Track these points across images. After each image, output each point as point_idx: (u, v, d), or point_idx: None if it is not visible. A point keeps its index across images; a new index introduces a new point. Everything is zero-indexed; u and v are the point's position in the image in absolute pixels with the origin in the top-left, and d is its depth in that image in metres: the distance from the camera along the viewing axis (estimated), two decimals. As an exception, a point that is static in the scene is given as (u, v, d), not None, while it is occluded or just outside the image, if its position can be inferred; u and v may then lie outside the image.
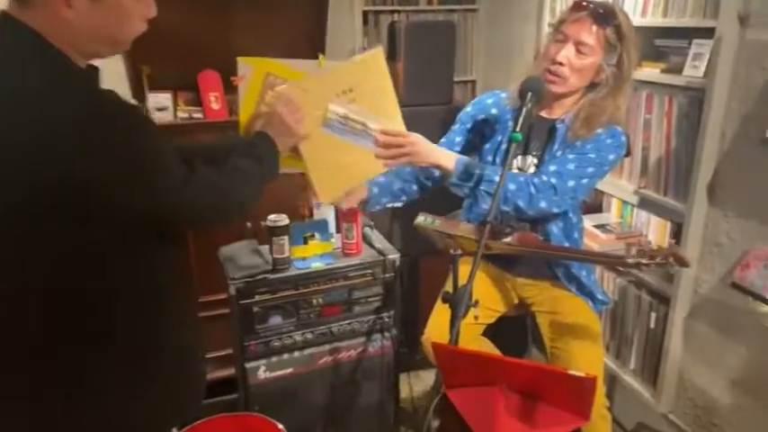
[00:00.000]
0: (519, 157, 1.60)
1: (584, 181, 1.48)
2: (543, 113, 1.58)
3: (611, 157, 1.49)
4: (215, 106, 2.35)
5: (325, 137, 1.42)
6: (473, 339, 1.67)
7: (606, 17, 1.40)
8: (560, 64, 1.43)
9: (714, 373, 1.79)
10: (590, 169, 1.47)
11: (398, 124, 1.46)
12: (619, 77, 1.45)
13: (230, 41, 2.15)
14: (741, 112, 1.59)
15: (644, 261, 1.31)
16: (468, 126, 1.71)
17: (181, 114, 2.38)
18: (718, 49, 1.58)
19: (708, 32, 1.62)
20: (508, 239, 1.56)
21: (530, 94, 1.39)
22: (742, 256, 1.60)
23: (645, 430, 2.07)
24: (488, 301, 1.71)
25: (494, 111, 1.66)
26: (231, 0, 2.26)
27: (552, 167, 1.48)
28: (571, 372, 0.99)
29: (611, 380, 2.11)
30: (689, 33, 1.70)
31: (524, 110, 1.37)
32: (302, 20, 2.38)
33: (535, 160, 1.59)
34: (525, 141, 1.58)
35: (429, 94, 2.39)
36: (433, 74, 2.37)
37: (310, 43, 2.40)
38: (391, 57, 2.49)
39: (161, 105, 2.34)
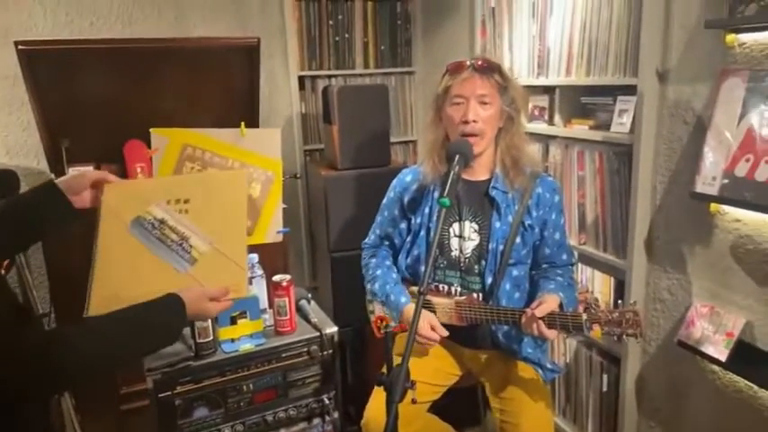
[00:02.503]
0: (455, 225, 1.56)
1: (568, 245, 1.64)
2: (466, 176, 1.55)
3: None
4: (141, 177, 2.23)
5: (127, 240, 1.18)
6: (416, 418, 1.55)
7: (489, 68, 1.46)
8: (474, 122, 1.44)
9: (672, 434, 1.71)
10: (565, 233, 1.60)
11: (237, 255, 1.19)
12: (515, 114, 1.50)
13: (158, 109, 2.08)
14: (669, 166, 1.60)
15: (602, 328, 1.31)
16: (395, 212, 1.70)
17: (104, 188, 2.25)
18: (641, 106, 1.59)
19: (631, 89, 1.64)
20: (460, 298, 1.54)
21: (457, 156, 1.35)
22: (685, 313, 1.56)
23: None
24: (432, 376, 1.61)
25: (415, 186, 1.64)
26: (158, 68, 2.19)
27: (555, 251, 1.57)
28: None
29: (571, 446, 2.00)
30: (613, 90, 1.73)
31: (452, 173, 1.31)
32: (234, 86, 2.33)
33: (475, 226, 1.55)
34: (457, 207, 1.55)
35: (366, 156, 2.35)
36: (368, 136, 2.34)
37: (243, 109, 2.34)
38: (326, 120, 2.46)
39: (82, 179, 2.21)
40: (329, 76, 2.86)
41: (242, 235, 1.23)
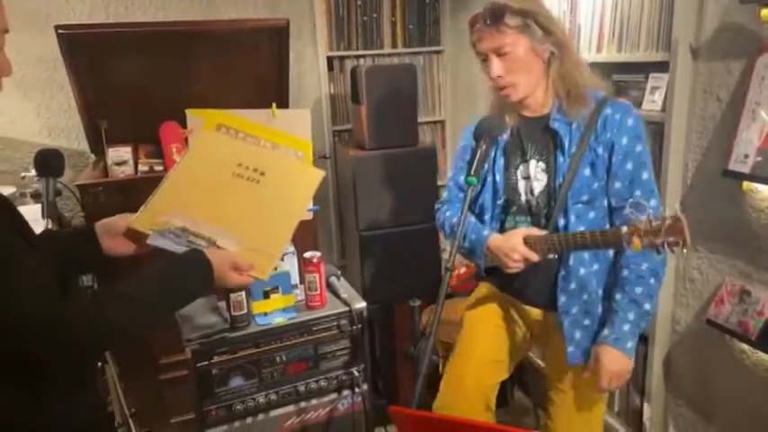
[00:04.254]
0: (521, 167, 1.48)
1: (657, 191, 1.40)
2: (526, 113, 1.48)
3: (643, 131, 1.39)
4: (177, 158, 2.30)
5: (198, 181, 1.22)
6: (482, 411, 1.55)
7: (496, 15, 1.35)
8: (499, 77, 1.39)
9: (698, 413, 1.71)
10: (648, 170, 1.38)
11: (274, 245, 1.21)
12: (556, 42, 1.38)
13: (191, 92, 2.13)
14: (701, 144, 1.58)
15: (642, 239, 1.18)
16: (467, 158, 1.56)
17: (142, 168, 2.33)
18: (674, 82, 1.57)
19: (663, 66, 1.62)
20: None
21: (484, 136, 1.36)
22: (715, 292, 1.56)
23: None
24: (497, 350, 1.61)
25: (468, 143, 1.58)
26: (191, 51, 2.24)
27: (627, 186, 1.36)
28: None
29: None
30: (645, 67, 1.70)
31: (479, 152, 1.33)
32: (264, 68, 2.37)
33: (542, 165, 1.45)
34: (520, 147, 1.48)
35: (394, 136, 2.37)
36: (396, 116, 2.36)
37: (273, 91, 2.38)
38: (355, 100, 2.48)
39: (121, 159, 2.30)
40: (357, 57, 2.87)
41: (291, 228, 1.23)
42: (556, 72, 1.39)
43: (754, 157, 1.34)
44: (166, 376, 2.07)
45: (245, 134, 1.63)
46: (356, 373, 1.75)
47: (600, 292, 1.43)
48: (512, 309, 1.60)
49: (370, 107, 2.32)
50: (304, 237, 1.98)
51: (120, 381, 1.76)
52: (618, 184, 1.37)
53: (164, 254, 1.13)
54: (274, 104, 1.62)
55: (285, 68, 2.37)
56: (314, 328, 1.67)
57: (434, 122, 3.10)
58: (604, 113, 1.36)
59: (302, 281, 1.72)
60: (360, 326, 1.73)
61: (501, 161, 1.50)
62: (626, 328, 1.35)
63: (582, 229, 1.37)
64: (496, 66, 1.37)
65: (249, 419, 1.63)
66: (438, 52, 3.01)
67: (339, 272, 1.87)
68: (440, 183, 2.80)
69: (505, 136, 1.48)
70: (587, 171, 1.37)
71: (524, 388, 2.38)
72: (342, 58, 2.86)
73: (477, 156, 1.32)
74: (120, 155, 2.29)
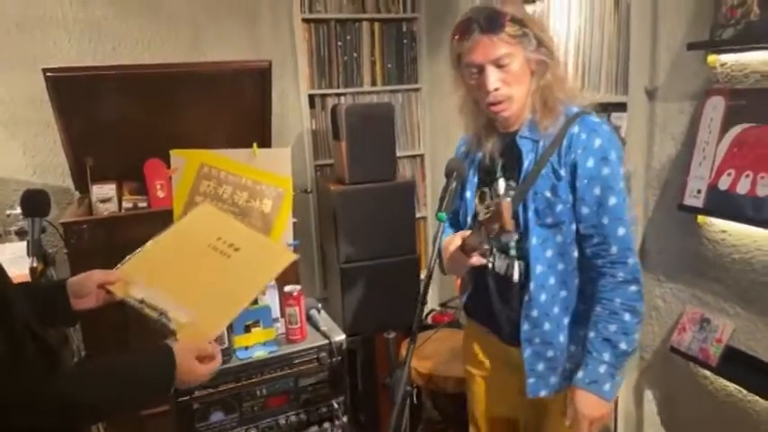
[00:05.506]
0: (492, 186, 1.40)
1: (626, 218, 1.28)
2: (501, 129, 1.38)
3: (618, 155, 1.27)
4: (161, 194, 2.36)
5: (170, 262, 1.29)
6: None
7: (495, 22, 1.23)
8: (496, 90, 1.26)
9: (668, 438, 1.77)
10: (617, 195, 1.26)
11: (224, 316, 1.24)
12: (545, 53, 1.28)
13: (176, 130, 2.19)
14: (660, 180, 1.67)
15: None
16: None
17: (126, 204, 2.37)
18: (632, 122, 1.67)
19: (623, 106, 1.72)
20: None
21: (454, 173, 1.41)
22: (677, 320, 1.63)
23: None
24: (497, 406, 1.54)
25: (463, 149, 1.54)
26: (176, 91, 2.31)
27: (594, 212, 1.26)
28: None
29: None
30: (606, 107, 1.81)
31: (449, 189, 1.37)
32: (247, 107, 2.45)
33: (512, 183, 1.36)
34: (491, 165, 1.40)
35: (373, 171, 2.46)
36: (375, 152, 2.45)
37: (256, 128, 2.46)
38: (335, 137, 2.57)
39: (105, 197, 2.33)
40: (338, 95, 2.97)
41: (244, 302, 1.27)
42: (537, 84, 1.30)
43: (705, 192, 1.44)
44: (147, 411, 2.08)
45: (227, 173, 1.70)
46: (336, 405, 1.78)
47: (565, 321, 1.34)
48: (495, 349, 1.49)
49: (349, 143, 2.40)
50: (285, 271, 2.01)
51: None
52: (585, 210, 1.27)
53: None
54: (255, 144, 1.68)
55: (268, 107, 2.45)
56: (294, 361, 1.70)
57: (414, 156, 3.19)
58: (571, 131, 1.26)
59: (283, 314, 1.76)
60: (339, 358, 1.76)
61: (474, 179, 1.44)
62: (602, 369, 1.25)
63: (549, 253, 1.31)
64: (494, 77, 1.24)
65: (230, 454, 1.65)
66: (416, 90, 3.12)
67: (319, 305, 1.91)
68: (419, 215, 2.88)
69: (480, 154, 1.42)
70: (547, 193, 1.28)
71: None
72: (323, 96, 2.96)
73: (448, 193, 1.38)
74: (104, 192, 2.33)
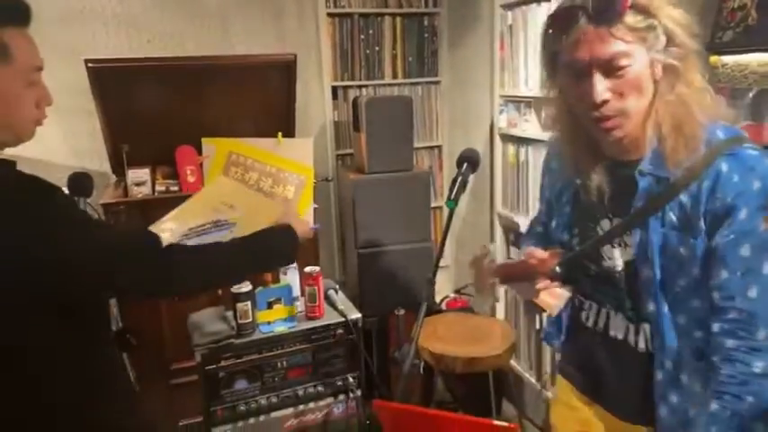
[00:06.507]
0: (603, 222, 1.10)
1: None
2: (614, 155, 1.06)
3: None
4: (191, 179, 2.50)
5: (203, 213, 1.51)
6: None
7: (610, 8, 0.92)
8: (605, 102, 0.96)
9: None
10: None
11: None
12: (678, 53, 0.95)
13: (206, 119, 2.33)
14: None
15: None
16: (547, 195, 1.31)
17: (158, 188, 2.52)
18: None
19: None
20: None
21: (465, 165, 1.48)
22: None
23: None
24: None
25: (554, 164, 1.28)
26: (206, 82, 2.45)
27: (738, 282, 0.94)
28: (495, 422, 1.07)
29: None
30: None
31: (459, 179, 1.44)
32: (273, 98, 2.57)
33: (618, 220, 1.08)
34: (608, 200, 1.08)
35: (391, 161, 2.56)
36: (393, 143, 2.55)
37: (281, 119, 2.58)
38: (355, 128, 2.68)
39: (139, 180, 2.49)
40: (360, 87, 3.08)
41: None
42: (666, 97, 0.97)
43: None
44: (177, 381, 2.24)
45: (253, 160, 1.82)
46: (351, 380, 1.90)
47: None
48: (607, 423, 1.19)
49: (369, 135, 2.51)
50: (305, 253, 2.16)
51: (136, 384, 1.93)
52: (725, 274, 0.94)
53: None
54: (280, 133, 1.80)
55: (292, 98, 2.57)
56: (312, 337, 1.83)
57: (432, 147, 3.29)
58: (717, 169, 0.93)
59: (303, 293, 1.88)
60: (354, 335, 1.89)
61: (566, 210, 1.17)
62: None
63: (682, 321, 1.02)
64: (603, 85, 0.94)
65: (252, 420, 1.78)
66: (436, 83, 3.21)
67: (337, 286, 2.03)
68: (434, 204, 2.98)
69: (578, 180, 1.12)
70: (682, 249, 0.98)
71: (511, 399, 2.52)
72: (345, 88, 3.07)
73: (458, 182, 1.46)
74: (139, 176, 2.48)
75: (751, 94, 1.42)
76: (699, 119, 0.95)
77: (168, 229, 1.43)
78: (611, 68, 0.94)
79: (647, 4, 0.93)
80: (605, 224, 1.08)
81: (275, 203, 1.62)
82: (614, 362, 1.11)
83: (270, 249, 1.36)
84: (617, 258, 1.07)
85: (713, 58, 1.51)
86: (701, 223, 0.95)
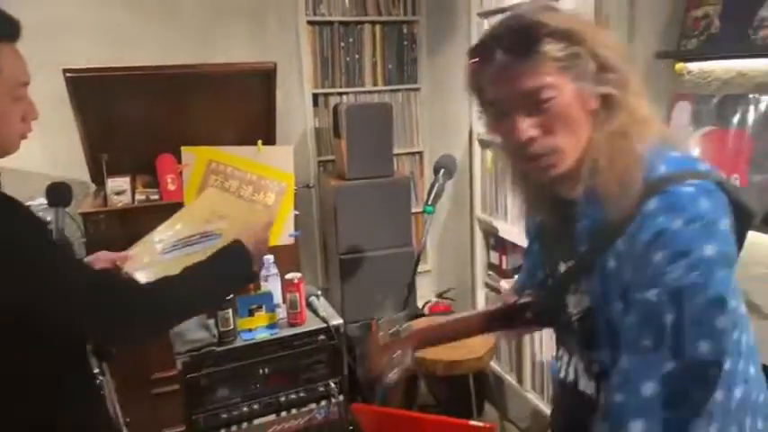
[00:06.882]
0: (561, 266, 0.99)
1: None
2: (560, 191, 0.95)
3: (718, 253, 0.77)
4: (171, 187, 2.50)
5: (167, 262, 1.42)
6: None
7: (526, 38, 0.83)
8: (532, 140, 0.86)
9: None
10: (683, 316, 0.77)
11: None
12: (615, 80, 0.84)
13: (186, 127, 2.34)
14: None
15: None
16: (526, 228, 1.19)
17: (138, 197, 2.51)
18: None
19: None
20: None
21: (442, 171, 1.53)
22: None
23: None
24: None
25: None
26: (186, 91, 2.45)
27: (634, 335, 0.81)
28: (472, 422, 1.09)
29: None
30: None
31: (436, 186, 1.48)
32: (253, 106, 2.58)
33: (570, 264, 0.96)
34: (561, 242, 0.97)
35: (371, 167, 2.59)
36: (373, 150, 2.58)
37: (262, 126, 2.59)
38: (336, 135, 2.70)
39: (119, 189, 2.48)
40: (341, 94, 3.10)
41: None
42: (604, 129, 0.86)
43: (672, 189, 1.56)
44: (159, 390, 2.23)
45: (233, 168, 1.83)
46: (332, 385, 1.91)
47: None
48: None
49: (349, 141, 2.54)
50: (287, 259, 2.17)
51: (115, 394, 1.92)
52: (632, 319, 0.82)
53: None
54: (260, 141, 1.82)
55: (273, 106, 2.58)
56: (294, 343, 1.84)
57: (413, 153, 3.32)
58: (645, 208, 0.80)
59: (284, 300, 1.90)
60: (336, 341, 1.90)
61: (534, 247, 1.10)
62: None
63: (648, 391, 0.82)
64: (526, 122, 0.85)
65: (234, 427, 1.78)
66: (415, 89, 3.25)
67: (319, 292, 2.04)
68: (415, 210, 3.01)
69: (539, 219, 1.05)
70: (615, 299, 0.86)
71: (492, 400, 2.55)
72: (326, 95, 3.09)
73: (435, 188, 1.50)
74: (119, 185, 2.47)
75: (715, 100, 1.47)
76: (637, 151, 0.84)
77: (159, 240, 1.43)
78: (534, 104, 0.85)
79: (568, 30, 0.84)
80: (562, 268, 0.98)
81: (263, 213, 1.63)
82: (588, 424, 0.89)
83: (219, 278, 1.25)
84: (571, 306, 0.96)
85: (679, 66, 1.56)
86: (617, 263, 0.85)
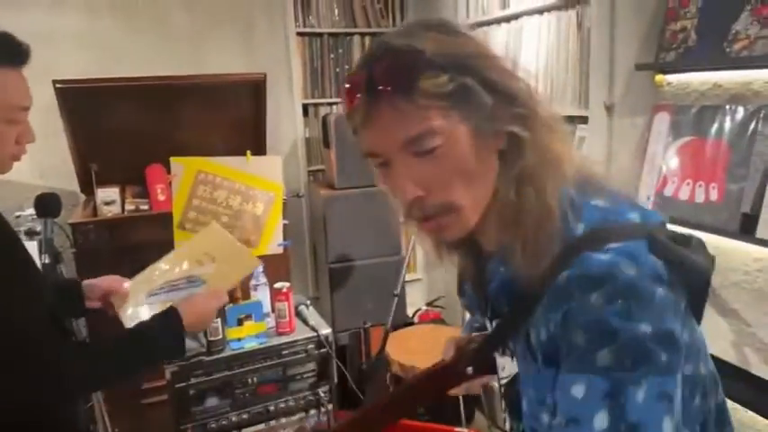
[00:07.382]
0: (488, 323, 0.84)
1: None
2: (486, 247, 0.78)
3: (652, 331, 0.59)
4: (161, 197, 2.51)
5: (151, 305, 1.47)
6: None
7: (399, 72, 0.65)
8: (420, 199, 0.68)
9: None
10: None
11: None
12: (520, 116, 0.67)
13: (176, 138, 2.35)
14: (618, 186, 1.82)
15: None
16: None
17: (128, 207, 2.52)
18: (593, 134, 1.83)
19: (585, 120, 1.88)
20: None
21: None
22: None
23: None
24: None
25: None
26: (176, 101, 2.46)
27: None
28: (458, 429, 1.11)
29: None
30: (573, 120, 1.97)
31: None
32: (243, 116, 2.60)
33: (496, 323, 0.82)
34: (482, 298, 0.83)
35: (360, 177, 2.61)
36: (363, 160, 2.56)
37: (252, 136, 2.61)
38: (325, 145, 2.72)
39: (109, 199, 2.48)
40: (330, 104, 3.13)
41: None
42: (511, 174, 0.69)
43: (653, 198, 1.59)
44: (148, 401, 2.22)
45: (222, 178, 1.85)
46: (322, 394, 1.92)
47: None
48: None
49: (338, 151, 2.56)
50: (276, 268, 2.18)
51: (104, 404, 1.92)
52: (559, 395, 0.64)
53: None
54: (249, 151, 1.84)
55: (263, 116, 2.60)
56: (283, 352, 1.85)
57: (402, 163, 3.34)
58: (562, 277, 0.63)
59: (273, 309, 1.91)
60: (325, 350, 1.91)
61: (471, 291, 0.91)
62: None
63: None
64: (410, 178, 0.68)
65: (223, 437, 1.79)
66: (405, 99, 3.28)
67: (308, 301, 2.05)
68: (403, 219, 3.03)
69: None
70: (533, 367, 0.71)
71: (481, 408, 2.56)
72: (316, 105, 3.12)
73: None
74: (108, 195, 2.48)
75: (693, 111, 1.51)
76: (549, 202, 0.66)
77: (158, 275, 1.48)
78: (417, 154, 0.66)
79: (452, 57, 0.65)
80: (489, 326, 0.83)
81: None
82: None
83: (149, 351, 1.26)
84: (500, 369, 0.82)
85: (658, 77, 1.60)
86: (537, 341, 0.69)
